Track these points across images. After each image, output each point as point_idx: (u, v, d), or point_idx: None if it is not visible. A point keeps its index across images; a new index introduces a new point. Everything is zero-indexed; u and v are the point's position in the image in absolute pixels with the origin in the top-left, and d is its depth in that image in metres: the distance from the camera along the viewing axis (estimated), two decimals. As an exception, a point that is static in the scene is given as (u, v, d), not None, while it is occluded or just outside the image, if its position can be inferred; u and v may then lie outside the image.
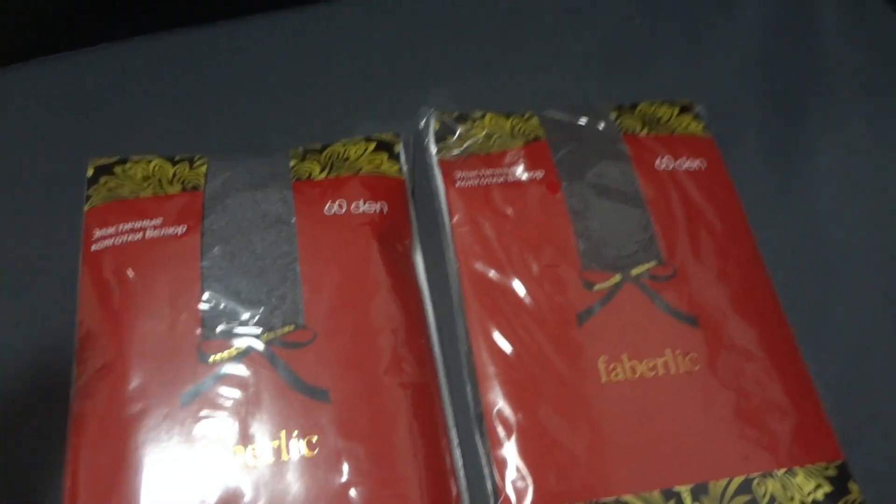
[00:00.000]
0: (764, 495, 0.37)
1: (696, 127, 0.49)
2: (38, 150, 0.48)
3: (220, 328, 0.39)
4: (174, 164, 0.45)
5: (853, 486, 0.38)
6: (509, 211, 0.43)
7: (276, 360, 0.38)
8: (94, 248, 0.41)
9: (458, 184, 0.44)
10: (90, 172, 0.44)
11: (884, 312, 0.44)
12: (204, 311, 0.39)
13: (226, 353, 0.38)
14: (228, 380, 0.38)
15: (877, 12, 0.57)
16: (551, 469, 0.37)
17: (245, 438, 0.36)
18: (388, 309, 0.40)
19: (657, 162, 0.46)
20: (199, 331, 0.39)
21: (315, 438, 0.36)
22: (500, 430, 0.38)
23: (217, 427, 0.36)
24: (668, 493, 0.36)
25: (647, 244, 0.43)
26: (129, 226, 0.42)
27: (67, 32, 0.53)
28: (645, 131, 0.47)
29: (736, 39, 0.55)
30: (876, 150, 0.50)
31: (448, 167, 0.45)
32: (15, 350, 0.41)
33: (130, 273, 0.40)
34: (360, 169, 0.45)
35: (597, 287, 0.41)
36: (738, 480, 0.37)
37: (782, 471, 0.37)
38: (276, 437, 0.36)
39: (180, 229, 0.42)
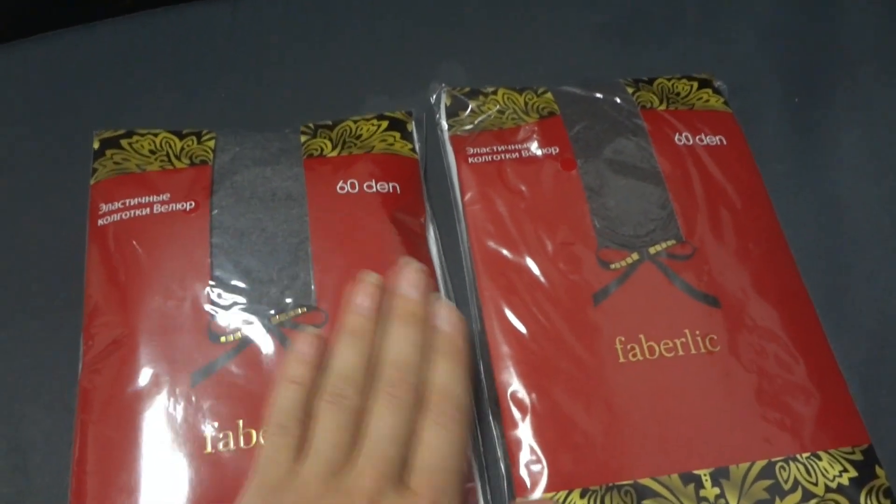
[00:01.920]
0: (787, 480, 0.36)
1: (716, 101, 0.47)
2: (42, 127, 0.47)
3: (230, 307, 0.38)
4: (181, 137, 0.44)
5: (880, 471, 0.37)
6: (523, 188, 0.42)
7: (287, 342, 0.38)
8: (100, 222, 0.41)
9: (470, 160, 0.43)
10: (96, 145, 0.44)
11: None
12: (214, 290, 0.39)
13: (238, 334, 0.38)
14: (240, 360, 0.37)
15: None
16: (567, 451, 0.36)
17: (255, 421, 0.36)
18: None
19: (676, 137, 0.45)
20: (209, 309, 0.38)
21: None
22: (515, 412, 0.37)
23: (227, 408, 0.36)
24: (688, 477, 0.35)
25: (665, 222, 0.42)
26: (136, 200, 0.41)
27: (68, 8, 0.52)
28: (663, 106, 0.46)
29: (756, 12, 0.54)
30: (898, 127, 0.49)
31: (460, 143, 0.44)
32: (22, 325, 0.41)
33: (138, 248, 0.40)
34: (373, 147, 0.44)
35: (613, 266, 0.40)
36: (760, 464, 0.36)
37: (806, 455, 0.36)
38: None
39: (188, 205, 0.41)
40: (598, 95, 0.46)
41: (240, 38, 0.52)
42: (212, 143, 0.44)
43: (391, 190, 0.42)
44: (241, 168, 0.43)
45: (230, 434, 0.35)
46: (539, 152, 0.43)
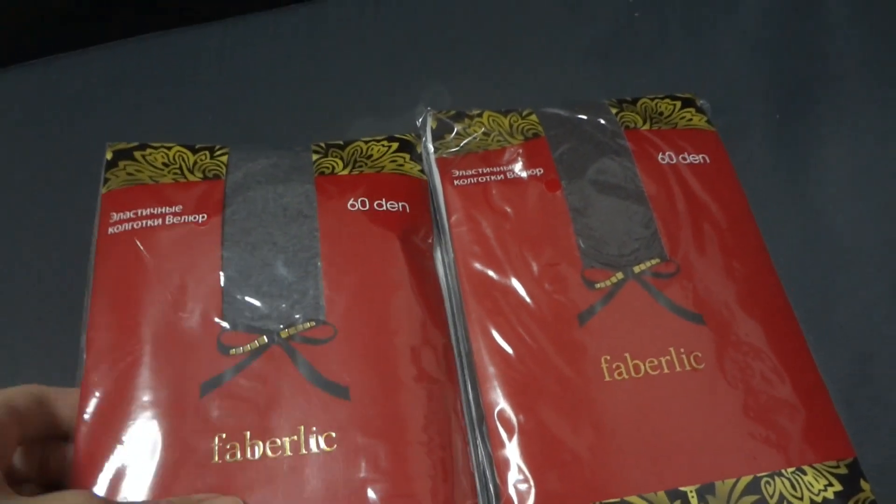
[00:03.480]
0: (772, 495, 0.36)
1: (699, 120, 0.48)
2: (54, 147, 0.48)
3: (240, 320, 0.39)
4: (195, 152, 0.45)
5: (865, 485, 0.37)
6: (508, 209, 0.43)
7: (296, 355, 0.38)
8: (111, 230, 0.41)
9: (456, 182, 0.44)
10: (109, 156, 0.44)
11: (891, 307, 0.43)
12: (224, 302, 0.39)
13: (247, 347, 0.38)
14: (248, 373, 0.37)
15: (883, 1, 0.56)
16: (554, 470, 0.36)
17: (263, 432, 0.36)
18: (409, 306, 0.40)
19: (659, 157, 0.45)
20: (218, 321, 0.39)
21: (334, 434, 0.36)
22: (502, 431, 0.37)
23: (235, 420, 0.36)
24: (674, 494, 0.36)
25: (649, 241, 0.42)
26: (148, 210, 0.41)
27: (76, 31, 0.53)
28: (647, 126, 0.47)
29: (738, 30, 0.55)
30: (882, 142, 0.50)
31: (446, 165, 0.45)
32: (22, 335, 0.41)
33: (148, 257, 0.40)
34: (383, 168, 0.45)
35: (598, 285, 0.40)
36: (745, 480, 0.36)
37: (791, 469, 0.37)
38: (294, 431, 0.36)
39: (200, 217, 0.41)
40: (583, 117, 0.47)
41: (229, 60, 0.53)
42: (224, 159, 0.44)
43: (400, 209, 0.43)
44: (253, 184, 0.43)
45: (237, 445, 0.36)
46: (524, 174, 0.44)
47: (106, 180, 0.43)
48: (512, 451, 0.37)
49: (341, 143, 0.46)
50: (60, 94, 0.51)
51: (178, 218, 0.41)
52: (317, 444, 0.36)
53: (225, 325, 0.38)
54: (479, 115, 0.47)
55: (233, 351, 0.38)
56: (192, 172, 0.43)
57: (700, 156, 0.46)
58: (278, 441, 0.36)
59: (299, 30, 0.54)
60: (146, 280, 0.39)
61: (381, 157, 0.45)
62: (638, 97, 0.49)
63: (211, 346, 0.38)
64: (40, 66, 0.52)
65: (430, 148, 0.46)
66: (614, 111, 0.47)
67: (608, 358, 0.39)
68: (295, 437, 0.36)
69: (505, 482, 0.36)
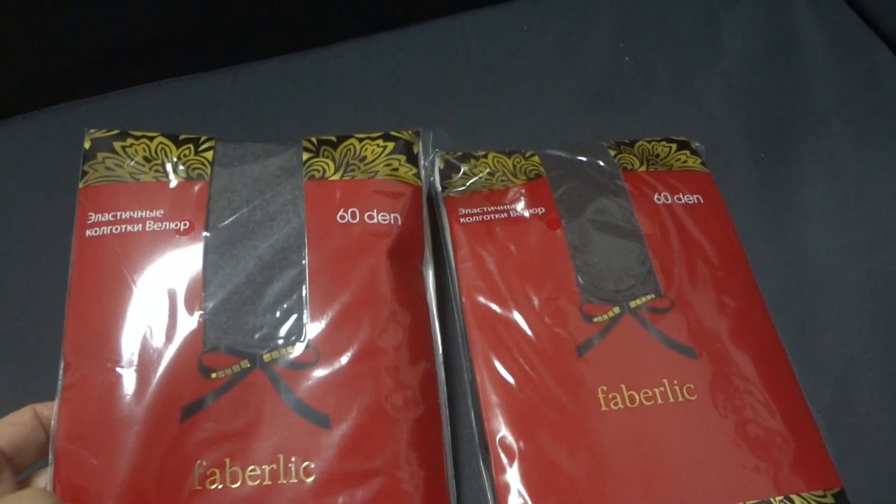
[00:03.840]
0: (761, 522, 0.37)
1: (693, 162, 0.50)
2: (56, 194, 0.50)
3: (222, 341, 0.37)
4: (178, 144, 0.42)
5: (851, 513, 0.38)
6: (511, 246, 0.45)
7: (278, 381, 0.37)
8: (88, 233, 0.39)
9: (462, 220, 0.46)
10: (87, 145, 0.41)
11: (871, 338, 0.45)
12: (206, 321, 0.38)
13: (229, 371, 0.37)
14: (230, 398, 0.36)
15: (863, 44, 0.59)
16: (552, 495, 0.38)
17: (243, 459, 0.36)
18: (395, 332, 0.39)
19: (655, 197, 0.47)
20: (200, 341, 0.37)
21: (313, 465, 0.36)
22: (503, 457, 0.39)
23: (216, 446, 0.36)
24: (667, 519, 0.37)
25: (644, 277, 0.44)
26: (127, 214, 0.39)
27: (79, 81, 0.56)
28: (643, 167, 0.49)
29: (723, 73, 0.57)
30: (862, 178, 0.52)
31: (452, 204, 0.47)
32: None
33: (127, 270, 0.38)
34: (377, 173, 0.43)
35: (596, 319, 0.42)
36: (735, 507, 0.38)
37: (780, 498, 0.38)
38: (274, 459, 0.36)
39: (182, 224, 0.39)
40: (582, 158, 0.49)
41: (238, 106, 0.55)
42: (210, 155, 0.42)
43: (392, 221, 0.41)
44: (239, 187, 0.41)
45: (217, 472, 0.35)
46: (526, 213, 0.46)
47: (84, 174, 0.41)
48: (513, 476, 0.38)
49: (334, 139, 0.44)
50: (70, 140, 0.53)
51: (160, 224, 0.39)
52: (295, 473, 0.35)
53: (206, 345, 0.37)
54: (485, 156, 0.49)
55: (214, 374, 0.37)
56: (174, 171, 0.41)
57: (694, 196, 0.48)
58: (257, 469, 0.35)
59: (303, 76, 0.57)
60: (125, 294, 0.38)
61: (374, 160, 0.43)
62: (635, 139, 0.51)
63: (192, 367, 0.36)
64: (43, 116, 0.55)
65: (439, 187, 0.48)
66: (613, 153, 0.50)
67: (605, 388, 0.40)
68: (274, 466, 0.35)
69: (506, 506, 0.38)
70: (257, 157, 0.42)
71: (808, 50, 0.58)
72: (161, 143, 0.42)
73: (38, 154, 0.53)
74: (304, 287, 0.39)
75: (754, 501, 0.38)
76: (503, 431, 0.39)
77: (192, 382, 0.36)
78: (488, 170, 0.48)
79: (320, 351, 0.38)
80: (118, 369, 0.36)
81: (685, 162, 0.50)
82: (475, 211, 0.46)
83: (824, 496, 0.38)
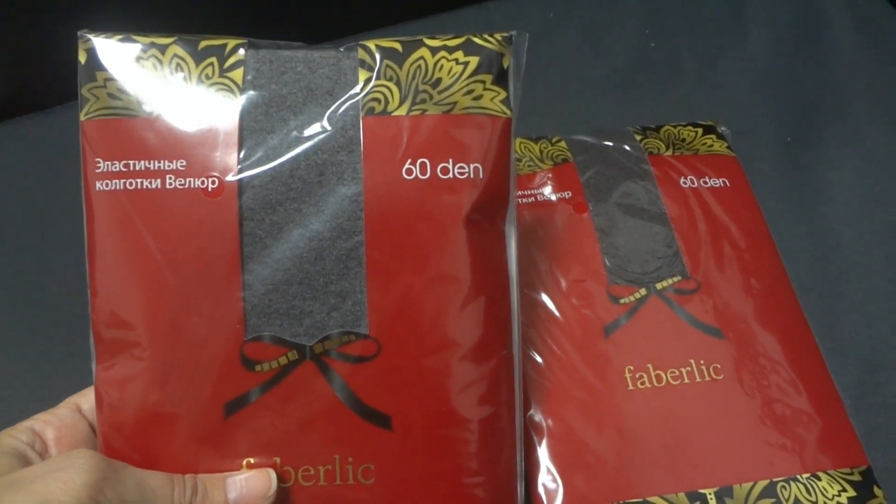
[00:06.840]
0: (788, 499, 0.38)
1: (719, 146, 0.50)
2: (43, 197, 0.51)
3: (265, 328, 0.32)
4: (199, 60, 0.33)
5: (878, 491, 0.39)
6: (539, 229, 0.46)
7: (332, 375, 0.33)
8: (98, 185, 0.32)
9: (490, 205, 0.46)
10: (82, 58, 0.33)
11: (898, 319, 0.45)
12: (246, 305, 0.32)
13: (275, 363, 0.32)
14: (277, 393, 0.32)
15: (890, 27, 0.58)
16: (580, 471, 0.39)
17: (295, 459, 0.33)
18: (470, 319, 0.33)
19: (681, 181, 0.48)
20: (241, 329, 0.32)
21: (372, 467, 0.33)
22: (532, 435, 0.40)
23: (264, 445, 0.33)
24: (694, 496, 0.38)
25: (671, 260, 0.45)
26: (142, 164, 0.32)
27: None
28: (669, 152, 0.49)
29: (749, 58, 0.58)
30: (889, 162, 0.52)
31: (481, 189, 0.47)
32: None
33: (150, 240, 0.32)
34: (455, 104, 0.33)
35: (623, 300, 0.43)
36: (762, 484, 0.38)
37: (806, 475, 0.38)
38: (329, 460, 0.33)
39: (210, 182, 0.32)
40: (609, 143, 0.49)
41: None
42: (238, 74, 0.33)
43: (472, 174, 0.33)
44: (277, 124, 0.32)
45: None
46: (553, 196, 0.47)
47: (84, 100, 0.33)
48: (542, 453, 0.39)
49: (398, 47, 0.34)
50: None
51: (182, 181, 0.32)
52: (353, 475, 0.33)
53: (247, 333, 0.32)
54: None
55: (258, 367, 0.32)
56: (195, 101, 0.33)
57: (720, 180, 0.48)
58: (311, 469, 0.33)
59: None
60: (150, 270, 0.32)
61: (452, 85, 0.33)
62: (661, 124, 0.52)
63: (233, 358, 0.32)
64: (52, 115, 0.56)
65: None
66: (639, 138, 0.50)
67: (631, 368, 0.41)
68: (329, 467, 0.32)
69: (534, 482, 0.39)
70: (299, 75, 0.33)
71: (834, 33, 0.58)
72: (176, 55, 0.33)
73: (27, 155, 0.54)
74: (361, 263, 0.33)
75: (781, 478, 0.38)
76: (532, 410, 0.40)
77: (233, 376, 0.32)
78: (515, 155, 0.49)
79: (381, 342, 0.33)
80: (149, 356, 0.32)
81: (711, 146, 0.50)
82: (503, 196, 0.47)
83: (851, 473, 0.39)
